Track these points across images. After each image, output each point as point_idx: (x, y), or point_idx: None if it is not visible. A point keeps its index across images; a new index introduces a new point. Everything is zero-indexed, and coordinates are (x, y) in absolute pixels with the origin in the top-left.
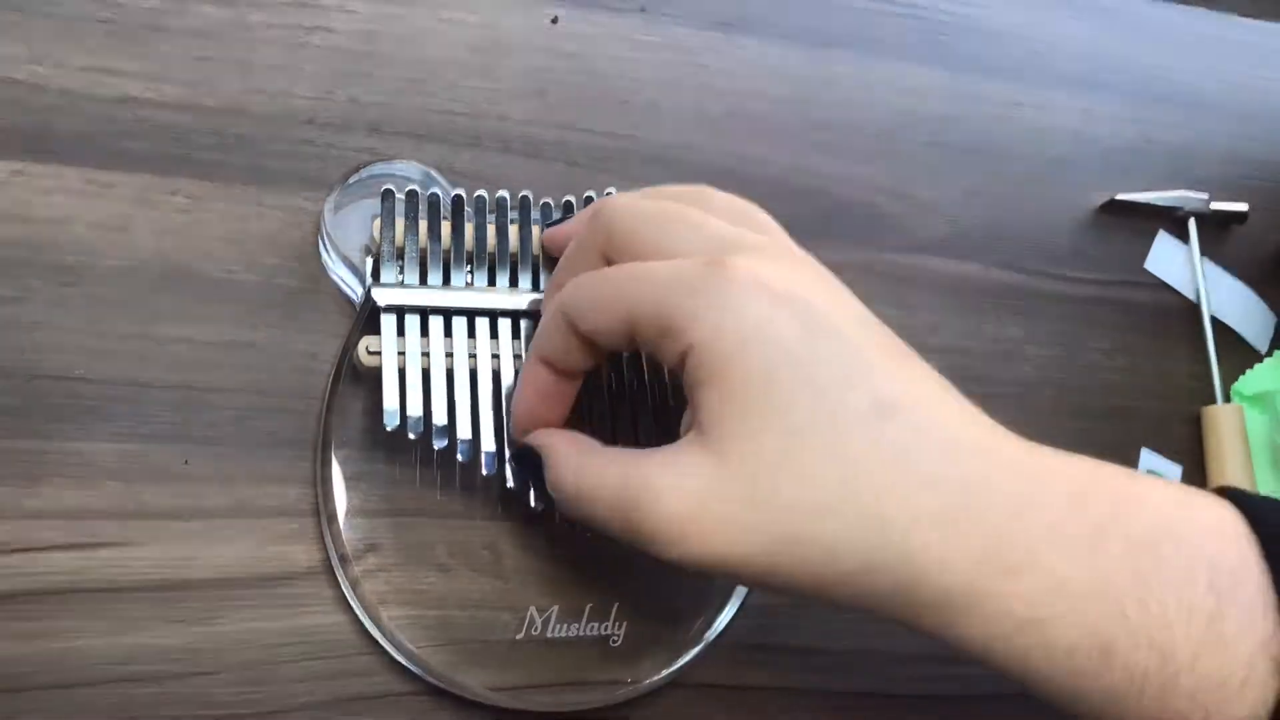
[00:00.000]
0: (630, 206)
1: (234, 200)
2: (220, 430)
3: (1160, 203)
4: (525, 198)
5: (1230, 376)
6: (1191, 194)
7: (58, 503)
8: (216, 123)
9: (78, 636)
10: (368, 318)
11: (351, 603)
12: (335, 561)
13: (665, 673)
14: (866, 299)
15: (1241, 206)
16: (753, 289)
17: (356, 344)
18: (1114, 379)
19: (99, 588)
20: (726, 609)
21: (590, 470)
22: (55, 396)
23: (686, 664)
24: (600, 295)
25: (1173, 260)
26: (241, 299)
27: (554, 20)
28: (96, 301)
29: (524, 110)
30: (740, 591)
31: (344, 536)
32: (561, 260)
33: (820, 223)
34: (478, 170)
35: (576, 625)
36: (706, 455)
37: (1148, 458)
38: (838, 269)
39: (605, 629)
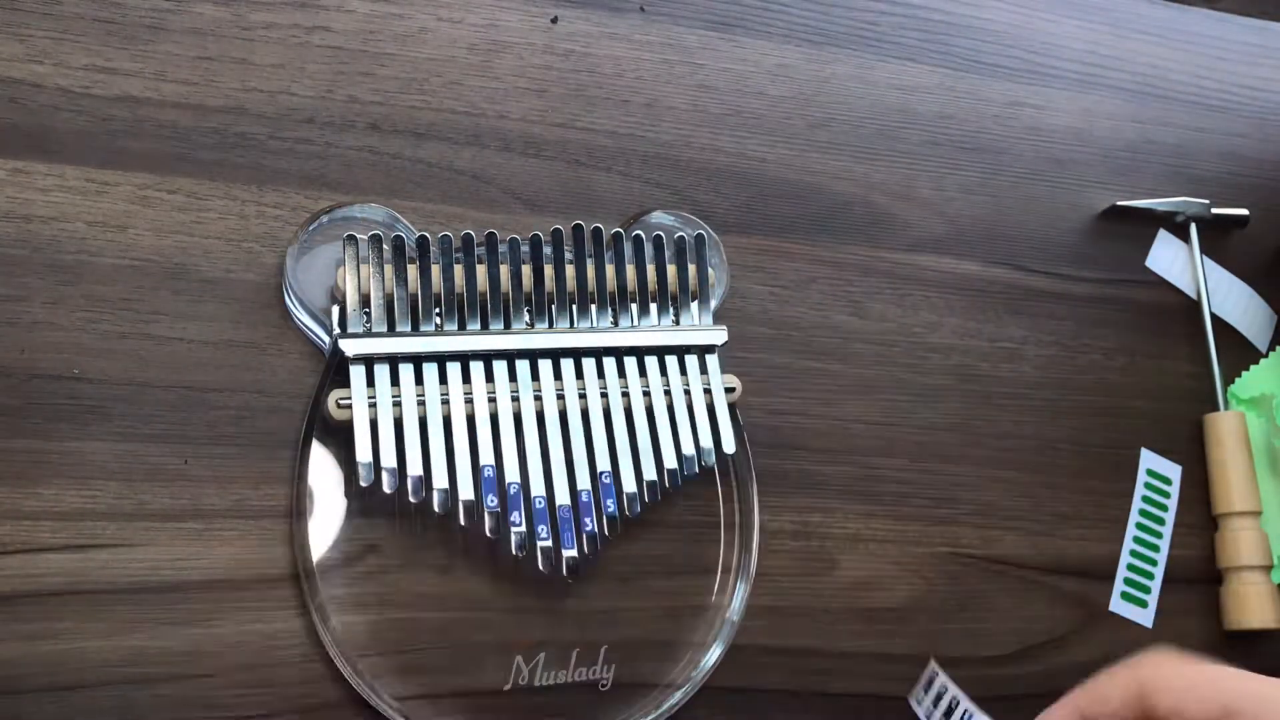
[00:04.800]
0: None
1: (234, 199)
2: (219, 430)
3: (1161, 209)
4: (492, 235)
5: (1231, 375)
6: (1192, 199)
7: (57, 503)
8: (216, 122)
9: (77, 638)
10: (336, 368)
11: (331, 655)
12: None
13: (656, 713)
14: (866, 297)
15: (1242, 212)
16: None
17: (326, 396)
18: (1114, 379)
19: (98, 589)
20: (713, 649)
21: None
22: (54, 396)
23: (676, 703)
24: (1196, 679)
25: (1174, 258)
26: (241, 298)
27: (554, 20)
28: (96, 300)
29: (524, 109)
30: (726, 633)
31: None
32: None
33: (820, 221)
34: (478, 169)
35: (564, 671)
36: None
37: (1148, 458)
38: (837, 267)
39: (594, 673)
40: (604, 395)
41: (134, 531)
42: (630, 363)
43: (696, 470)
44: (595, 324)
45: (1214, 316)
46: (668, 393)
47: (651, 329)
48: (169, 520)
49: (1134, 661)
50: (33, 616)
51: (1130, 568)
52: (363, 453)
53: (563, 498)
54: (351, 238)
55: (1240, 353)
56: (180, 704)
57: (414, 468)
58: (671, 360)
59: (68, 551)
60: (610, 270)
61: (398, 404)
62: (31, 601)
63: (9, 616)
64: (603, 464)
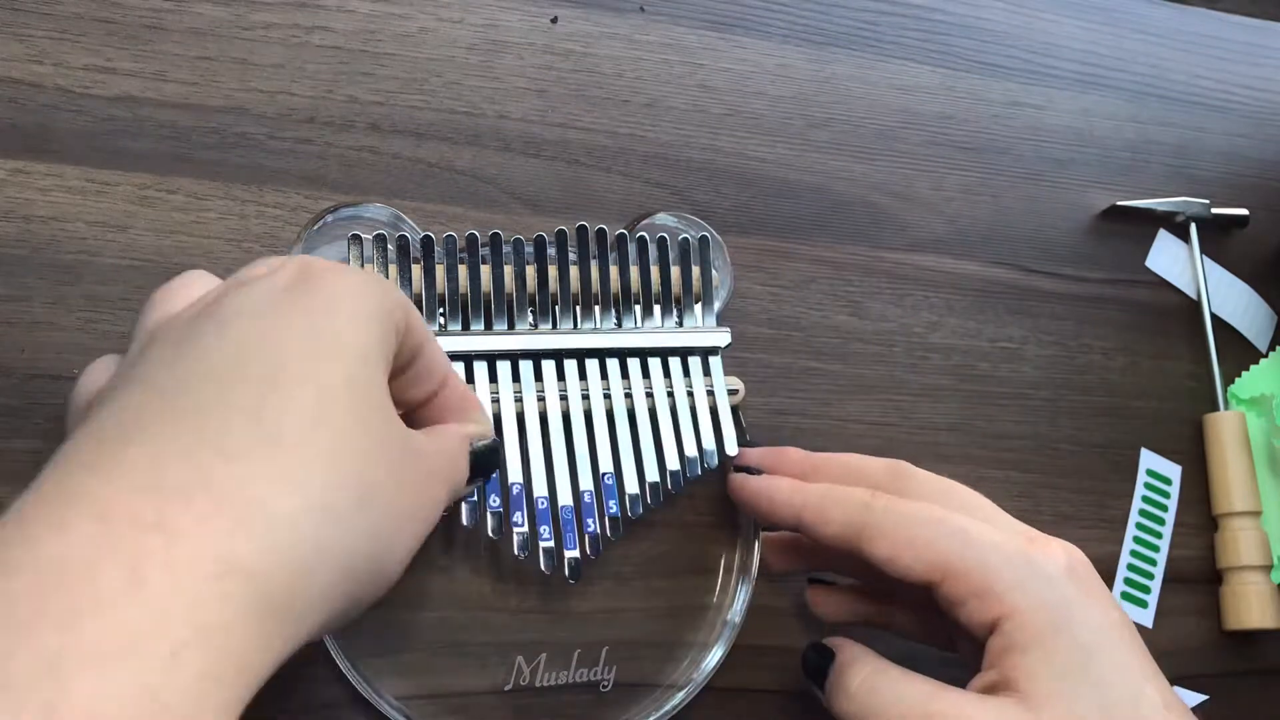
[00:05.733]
0: (930, 475)
1: (234, 199)
2: None
3: (1161, 209)
4: (496, 235)
5: (1231, 376)
6: (1192, 199)
7: None
8: (216, 122)
9: None
10: None
11: (332, 654)
12: None
13: (657, 714)
14: (866, 297)
15: (1242, 211)
16: (1069, 572)
17: None
18: (1114, 379)
19: None
20: (715, 650)
21: (884, 686)
22: (54, 396)
23: (678, 704)
24: (915, 533)
25: (1174, 258)
26: None
27: (554, 20)
28: (96, 300)
29: (523, 109)
30: (728, 634)
31: None
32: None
33: (820, 221)
34: (478, 169)
35: (565, 673)
36: (1024, 708)
37: (1148, 458)
38: (837, 267)
39: (595, 675)
40: (607, 396)
41: None
42: (633, 364)
43: (699, 471)
44: (599, 325)
45: (1214, 316)
46: (671, 394)
47: (655, 330)
48: None
49: (870, 477)
50: None
51: (1130, 568)
52: None
53: (565, 498)
54: (356, 237)
55: (1240, 353)
56: None
57: None
58: (675, 362)
59: None
60: (614, 271)
61: None
62: None
63: None
64: (605, 465)
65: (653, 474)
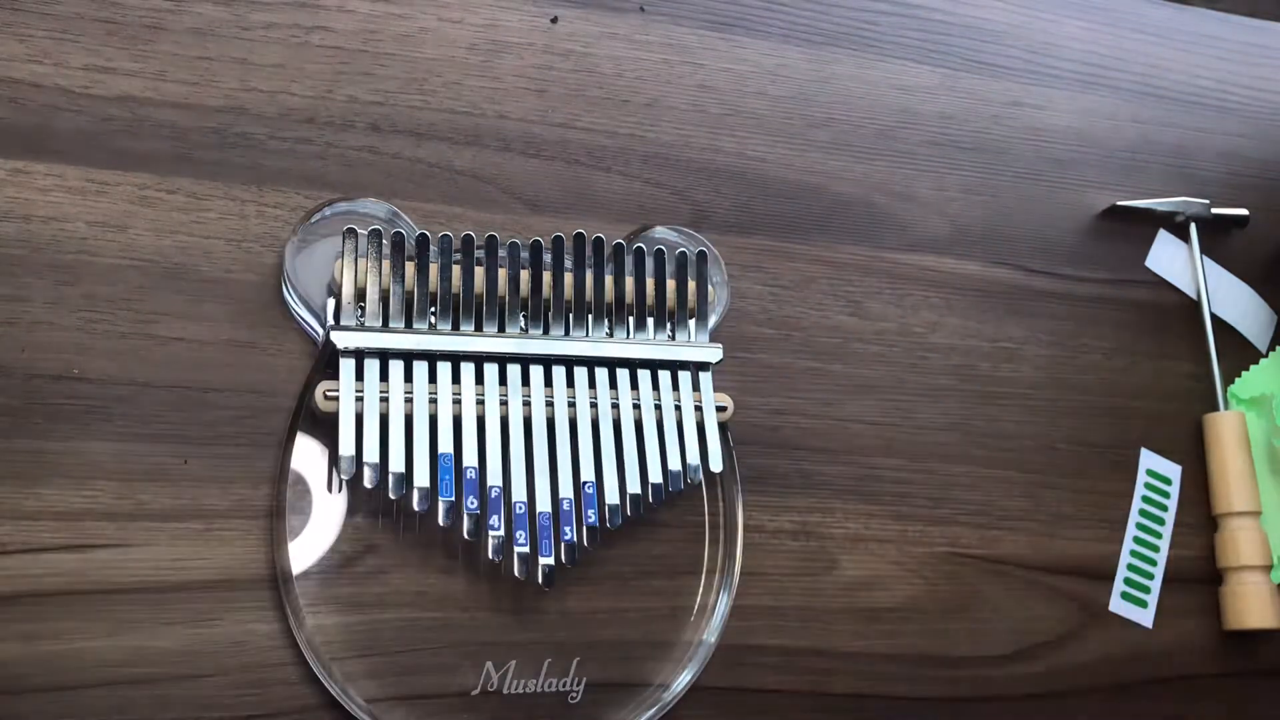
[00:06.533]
0: None
1: (234, 199)
2: (219, 430)
3: (1161, 209)
4: (492, 238)
5: (1231, 376)
6: (1192, 199)
7: (57, 503)
8: (216, 122)
9: (77, 638)
10: (328, 360)
11: (307, 658)
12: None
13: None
14: (866, 297)
15: (1242, 211)
16: None
17: (315, 386)
18: (1114, 379)
19: (98, 589)
20: (687, 670)
21: None
22: (53, 396)
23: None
24: None
25: (1173, 258)
26: (241, 298)
27: (554, 20)
28: (96, 300)
29: (523, 109)
30: (701, 655)
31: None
32: None
33: (819, 221)
34: (478, 169)
35: (534, 681)
36: None
37: (1148, 458)
38: (837, 267)
39: (564, 685)
40: (593, 405)
41: (134, 531)
42: (623, 375)
43: (681, 486)
44: (590, 333)
45: (1214, 316)
46: (658, 407)
47: (646, 343)
48: (169, 520)
49: None
50: (33, 616)
51: (1130, 567)
52: (346, 445)
53: (544, 505)
54: (351, 231)
55: (1240, 353)
56: (179, 704)
57: (396, 464)
58: (664, 375)
59: (68, 551)
60: (609, 281)
61: (385, 399)
62: (31, 601)
63: (9, 616)
64: (587, 474)
65: (634, 486)
